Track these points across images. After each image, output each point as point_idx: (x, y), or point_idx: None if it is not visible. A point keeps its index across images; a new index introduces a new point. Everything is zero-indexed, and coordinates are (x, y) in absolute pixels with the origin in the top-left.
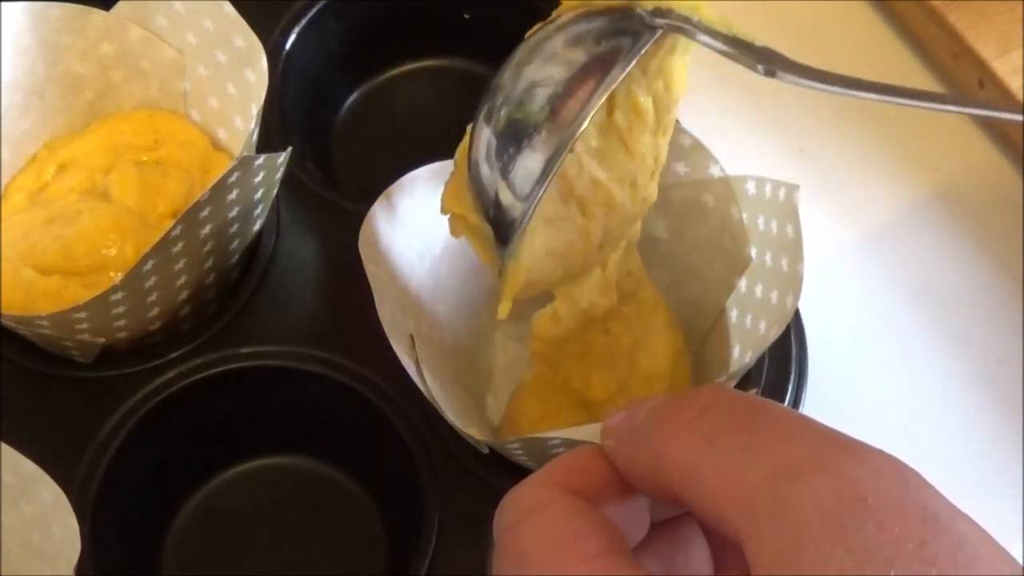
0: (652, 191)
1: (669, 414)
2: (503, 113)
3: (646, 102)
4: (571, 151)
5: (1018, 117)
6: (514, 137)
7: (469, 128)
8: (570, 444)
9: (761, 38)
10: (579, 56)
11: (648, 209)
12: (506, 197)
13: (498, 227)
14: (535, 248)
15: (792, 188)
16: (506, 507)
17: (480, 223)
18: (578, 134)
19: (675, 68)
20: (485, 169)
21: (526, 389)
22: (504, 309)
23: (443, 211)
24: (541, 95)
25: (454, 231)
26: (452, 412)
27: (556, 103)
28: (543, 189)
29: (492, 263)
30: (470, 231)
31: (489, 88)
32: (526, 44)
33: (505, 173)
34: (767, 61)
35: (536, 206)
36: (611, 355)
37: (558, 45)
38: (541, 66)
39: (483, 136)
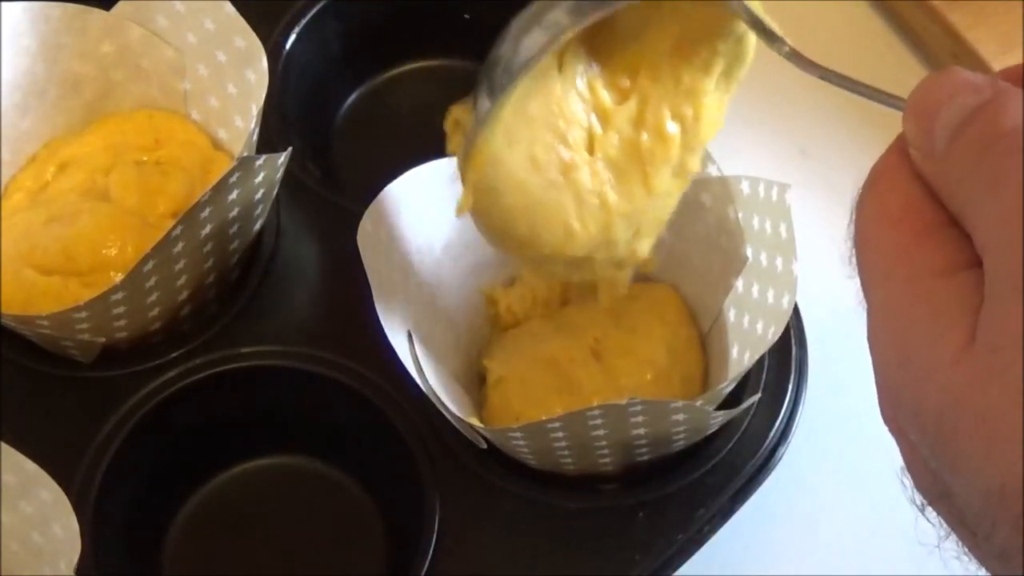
0: (646, 247)
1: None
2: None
3: (672, 128)
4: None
5: None
6: None
7: None
8: (569, 428)
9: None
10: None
11: None
12: None
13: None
14: (513, 160)
15: (784, 188)
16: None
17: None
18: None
19: (708, 100)
20: None
21: (500, 375)
22: (463, 202)
23: (447, 123)
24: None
25: (451, 146)
26: (452, 406)
27: None
28: (519, 77)
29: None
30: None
31: (488, 60)
32: (523, 14)
33: None
34: (785, 47)
35: (510, 90)
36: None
37: (559, 15)
38: (541, 35)
39: (484, 108)
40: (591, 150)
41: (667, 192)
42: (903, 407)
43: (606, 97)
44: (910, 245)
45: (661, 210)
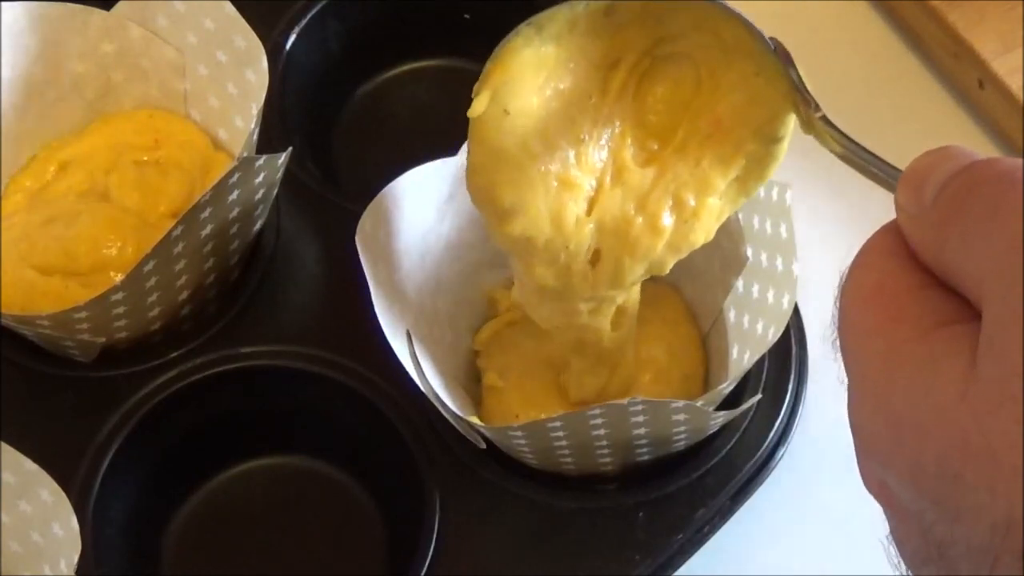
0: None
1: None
2: None
3: (667, 220)
4: None
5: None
6: None
7: None
8: (569, 427)
9: None
10: None
11: None
12: None
13: None
14: (531, 99)
15: (784, 188)
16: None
17: None
18: None
19: (712, 201)
20: None
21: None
22: (477, 103)
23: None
24: None
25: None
26: (452, 405)
27: None
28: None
29: None
30: None
31: None
32: None
33: None
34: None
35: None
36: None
37: None
38: None
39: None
40: (590, 209)
41: (632, 284)
42: (895, 469)
43: (629, 154)
44: (884, 320)
45: (624, 297)
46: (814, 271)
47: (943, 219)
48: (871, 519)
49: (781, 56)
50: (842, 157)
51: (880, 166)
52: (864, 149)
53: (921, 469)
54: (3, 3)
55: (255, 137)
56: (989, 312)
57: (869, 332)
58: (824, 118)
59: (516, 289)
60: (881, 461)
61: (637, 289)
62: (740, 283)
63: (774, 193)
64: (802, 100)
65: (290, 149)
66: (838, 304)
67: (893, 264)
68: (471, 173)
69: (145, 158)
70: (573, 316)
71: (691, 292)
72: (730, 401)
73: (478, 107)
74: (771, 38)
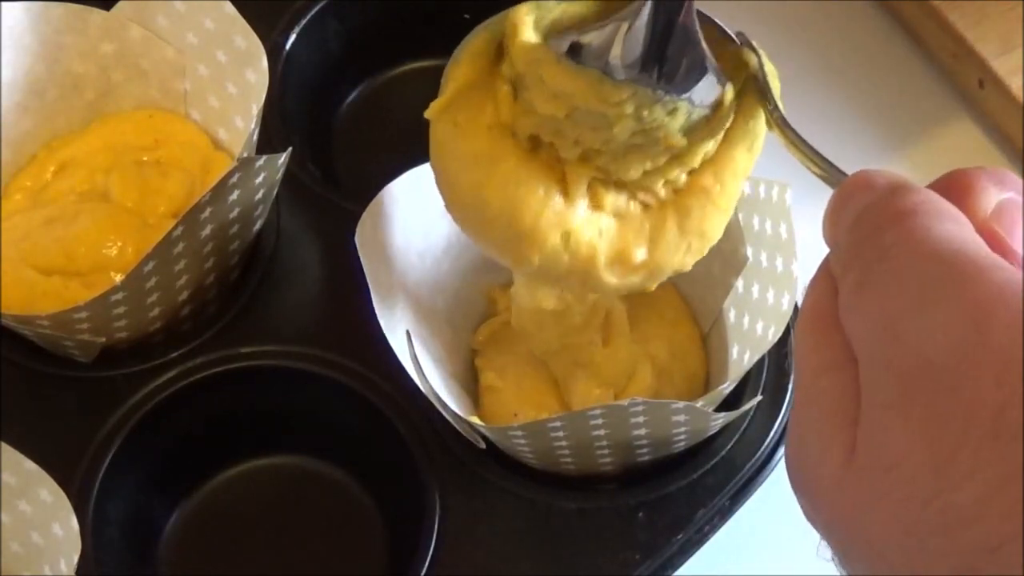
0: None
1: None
2: None
3: (640, 256)
4: None
5: None
6: None
7: None
8: (569, 427)
9: (762, 38)
10: None
11: None
12: None
13: None
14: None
15: (784, 188)
16: None
17: None
18: None
19: (672, 243)
20: None
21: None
22: (435, 105)
23: None
24: None
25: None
26: (452, 405)
27: None
28: None
29: None
30: None
31: None
32: None
33: None
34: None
35: None
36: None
37: None
38: None
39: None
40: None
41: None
42: (804, 508)
43: (609, 195)
44: (808, 350)
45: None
46: (814, 271)
47: (844, 263)
48: None
49: (749, 49)
50: (797, 155)
51: (829, 169)
52: (817, 153)
53: (816, 523)
54: (3, 3)
55: (255, 137)
56: (864, 397)
57: (800, 356)
58: (781, 115)
59: (514, 316)
60: (797, 493)
61: (621, 306)
62: (740, 283)
63: (774, 193)
64: (762, 94)
65: (290, 149)
66: None
67: (827, 293)
68: (442, 185)
69: (145, 158)
70: (569, 335)
71: (691, 292)
72: (730, 402)
73: (435, 108)
74: (738, 33)
